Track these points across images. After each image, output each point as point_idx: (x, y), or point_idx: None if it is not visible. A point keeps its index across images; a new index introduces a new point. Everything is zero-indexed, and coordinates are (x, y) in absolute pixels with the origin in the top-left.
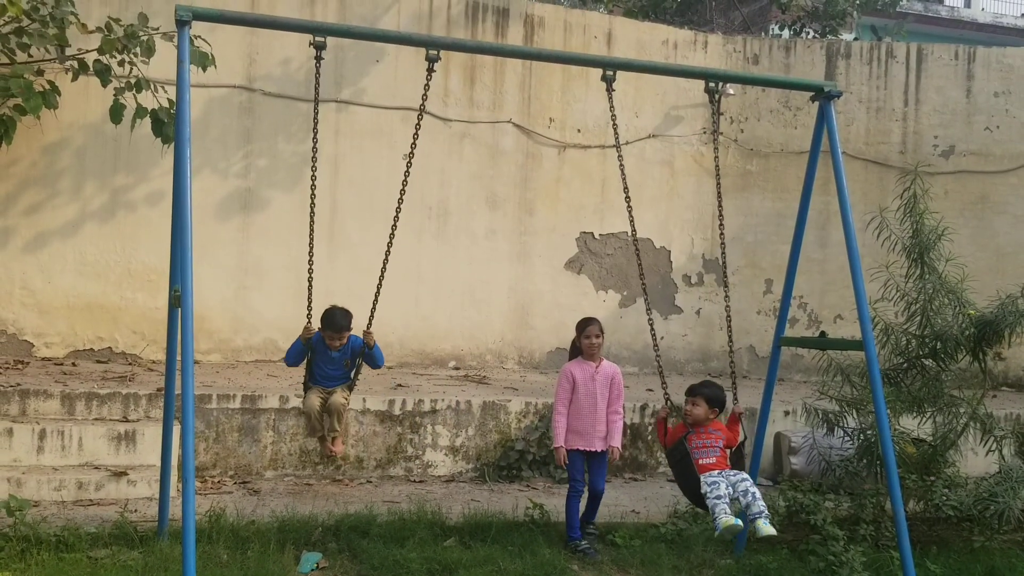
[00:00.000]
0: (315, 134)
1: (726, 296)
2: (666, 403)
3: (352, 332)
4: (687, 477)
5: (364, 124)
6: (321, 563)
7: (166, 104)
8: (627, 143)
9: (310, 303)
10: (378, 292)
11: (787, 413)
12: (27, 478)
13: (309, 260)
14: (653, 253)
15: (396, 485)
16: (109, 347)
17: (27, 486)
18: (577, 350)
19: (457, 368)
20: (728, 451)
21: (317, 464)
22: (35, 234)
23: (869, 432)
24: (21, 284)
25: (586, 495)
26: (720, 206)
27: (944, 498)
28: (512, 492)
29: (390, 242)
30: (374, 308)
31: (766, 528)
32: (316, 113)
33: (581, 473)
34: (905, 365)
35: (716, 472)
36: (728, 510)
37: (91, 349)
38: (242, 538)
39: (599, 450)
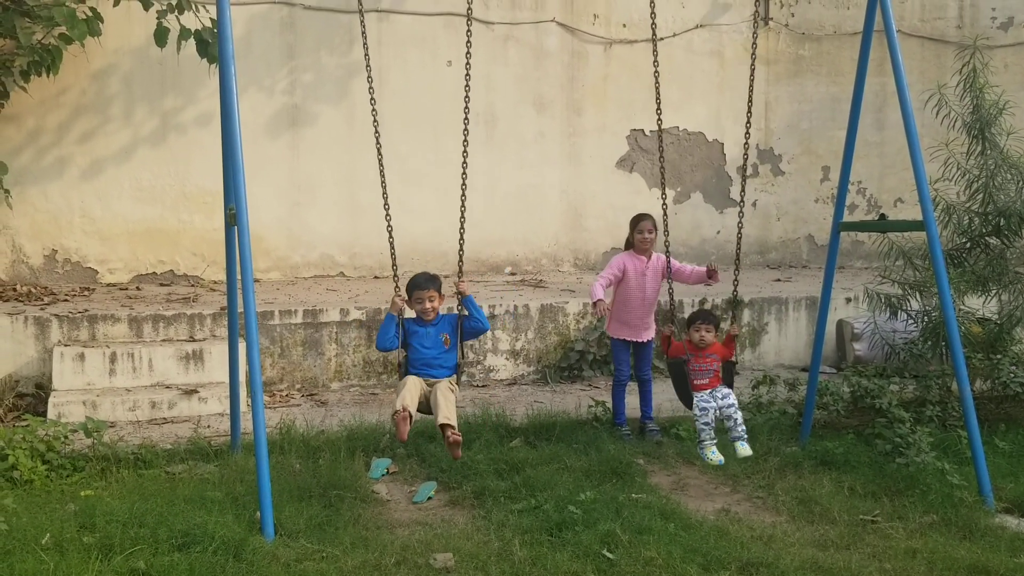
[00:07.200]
0: (366, 50)
1: (741, 201)
2: (671, 326)
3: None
4: (683, 389)
5: (406, 32)
6: (391, 468)
7: (208, 24)
8: (674, 35)
9: (395, 264)
10: (463, 215)
11: (849, 300)
12: (101, 400)
13: (385, 207)
14: (706, 146)
15: (460, 390)
16: (171, 270)
17: (102, 408)
18: (630, 245)
19: (513, 273)
20: (720, 366)
21: (381, 374)
22: (90, 161)
23: (933, 313)
24: (81, 212)
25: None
26: (751, 92)
27: (1012, 375)
28: (574, 392)
29: (464, 161)
30: (462, 238)
31: (743, 450)
32: (363, 26)
33: (627, 363)
34: (968, 244)
35: (707, 393)
36: (712, 439)
37: (154, 273)
38: (313, 448)
39: (644, 340)
